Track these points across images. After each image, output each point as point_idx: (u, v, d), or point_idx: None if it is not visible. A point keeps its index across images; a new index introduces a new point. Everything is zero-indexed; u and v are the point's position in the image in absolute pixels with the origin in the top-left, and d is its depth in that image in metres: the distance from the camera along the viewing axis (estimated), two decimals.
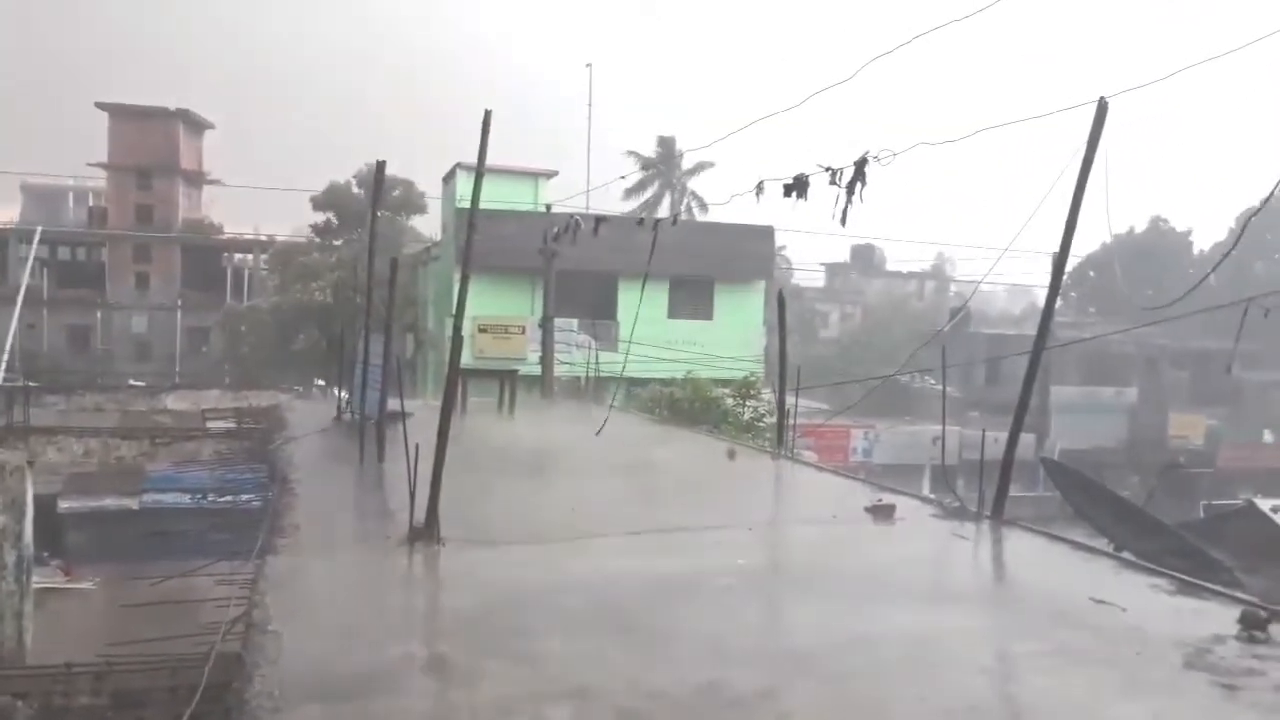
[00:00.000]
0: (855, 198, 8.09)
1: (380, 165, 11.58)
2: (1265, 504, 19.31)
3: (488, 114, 7.76)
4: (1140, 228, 50.89)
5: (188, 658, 5.57)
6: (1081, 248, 47.00)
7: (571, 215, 23.98)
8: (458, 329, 7.63)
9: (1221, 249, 43.53)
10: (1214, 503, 24.08)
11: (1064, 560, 7.48)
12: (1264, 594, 7.14)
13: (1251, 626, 5.69)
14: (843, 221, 7.96)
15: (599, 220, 15.21)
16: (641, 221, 15.23)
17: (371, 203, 11.88)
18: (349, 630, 5.67)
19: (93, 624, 13.45)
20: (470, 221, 7.43)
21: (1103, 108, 8.03)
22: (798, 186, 8.56)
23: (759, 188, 8.78)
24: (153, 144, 50.35)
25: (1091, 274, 50.27)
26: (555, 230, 15.93)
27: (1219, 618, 5.89)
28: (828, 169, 8.12)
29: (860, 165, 7.93)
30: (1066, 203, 8.10)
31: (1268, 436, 37.32)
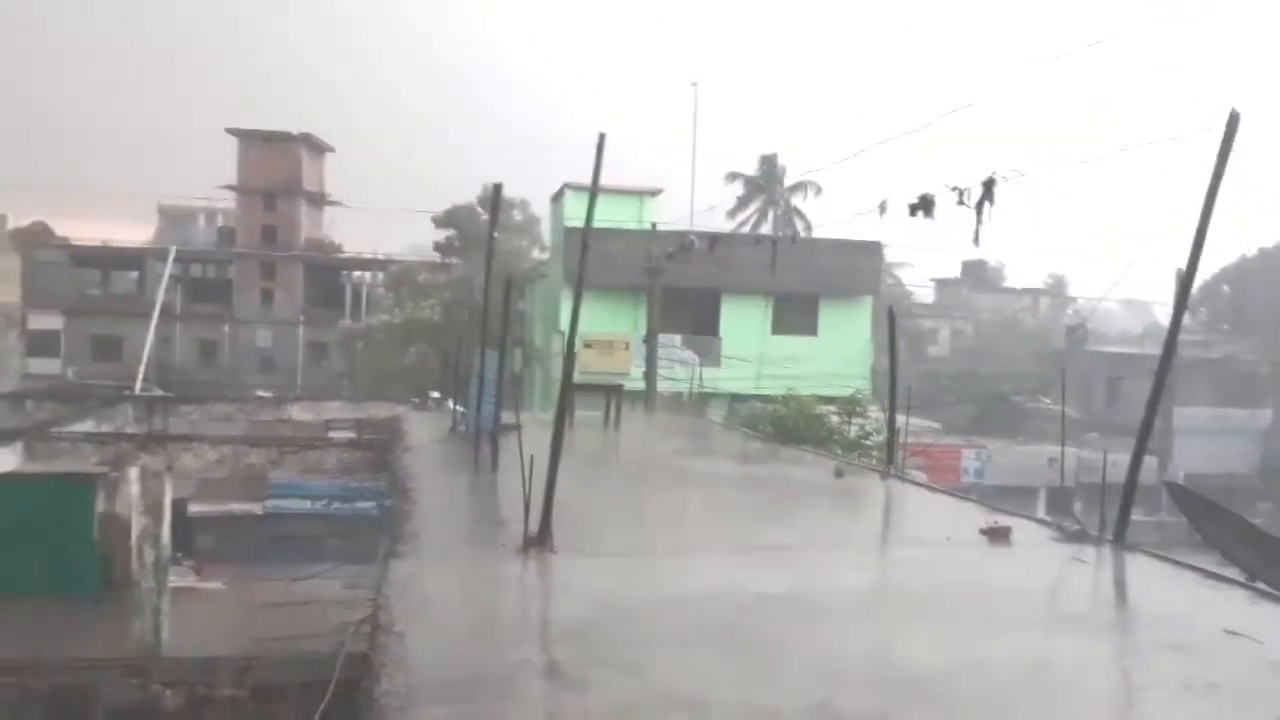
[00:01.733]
0: (984, 217, 8.01)
1: (497, 188, 11.96)
2: None
3: (602, 137, 7.95)
4: None
5: (320, 655, 5.88)
6: (1215, 262, 44.79)
7: (684, 233, 24.22)
8: (571, 346, 7.84)
9: None
10: None
11: (1192, 588, 7.19)
12: None
13: None
14: (976, 242, 7.89)
15: (714, 239, 15.31)
16: (758, 241, 15.27)
17: (490, 224, 12.28)
18: (468, 634, 5.88)
19: (223, 622, 14.21)
20: (584, 243, 7.63)
21: (1234, 119, 7.73)
22: (924, 206, 8.54)
23: (883, 206, 8.77)
24: (278, 167, 53.07)
25: (1225, 289, 47.84)
26: (670, 250, 16.12)
27: None
28: (955, 189, 8.06)
29: (989, 185, 7.85)
30: (1196, 217, 7.83)
31: None
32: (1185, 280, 8.37)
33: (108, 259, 56.50)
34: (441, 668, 5.25)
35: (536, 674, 5.27)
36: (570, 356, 7.81)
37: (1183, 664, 5.53)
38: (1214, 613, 6.39)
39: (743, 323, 32.62)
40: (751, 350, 30.36)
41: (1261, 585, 8.36)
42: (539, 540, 7.53)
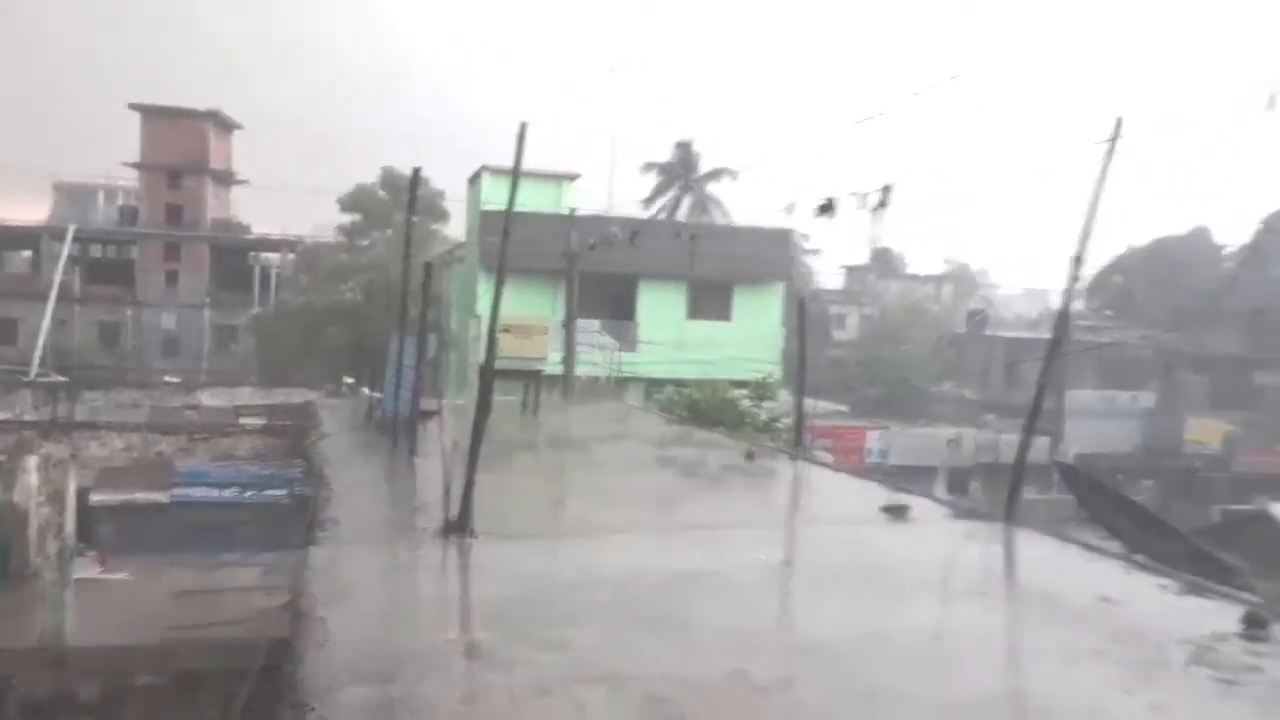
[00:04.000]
0: (880, 220, 8.44)
1: (415, 172, 11.94)
2: (1279, 509, 19.39)
3: (523, 125, 8.05)
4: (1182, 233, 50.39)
5: (241, 642, 5.92)
6: (1109, 252, 46.80)
7: (601, 218, 24.32)
8: (492, 330, 7.96)
9: (1248, 255, 43.38)
10: (1229, 508, 24.09)
11: (1074, 561, 7.72)
12: (1276, 598, 7.33)
13: (1254, 626, 5.92)
14: (871, 244, 8.31)
15: (635, 229, 15.51)
16: (677, 234, 15.53)
17: (409, 208, 12.23)
18: (390, 617, 6.01)
19: (131, 613, 13.86)
20: (505, 230, 7.74)
21: (1118, 124, 8.29)
22: (827, 209, 8.97)
23: (790, 207, 9.14)
24: (183, 144, 51.24)
25: (1118, 278, 50.08)
26: (593, 242, 16.26)
27: (1223, 617, 6.11)
28: (855, 194, 8.48)
29: (886, 191, 8.27)
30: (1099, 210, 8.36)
31: None
32: (1074, 269, 8.90)
33: None
34: (364, 650, 5.36)
35: (459, 653, 5.42)
36: (492, 342, 7.93)
37: (1063, 630, 6.00)
38: (1092, 582, 6.90)
39: (660, 308, 32.99)
40: (668, 335, 30.75)
41: (1138, 556, 9.02)
42: (459, 525, 7.65)
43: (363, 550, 7.41)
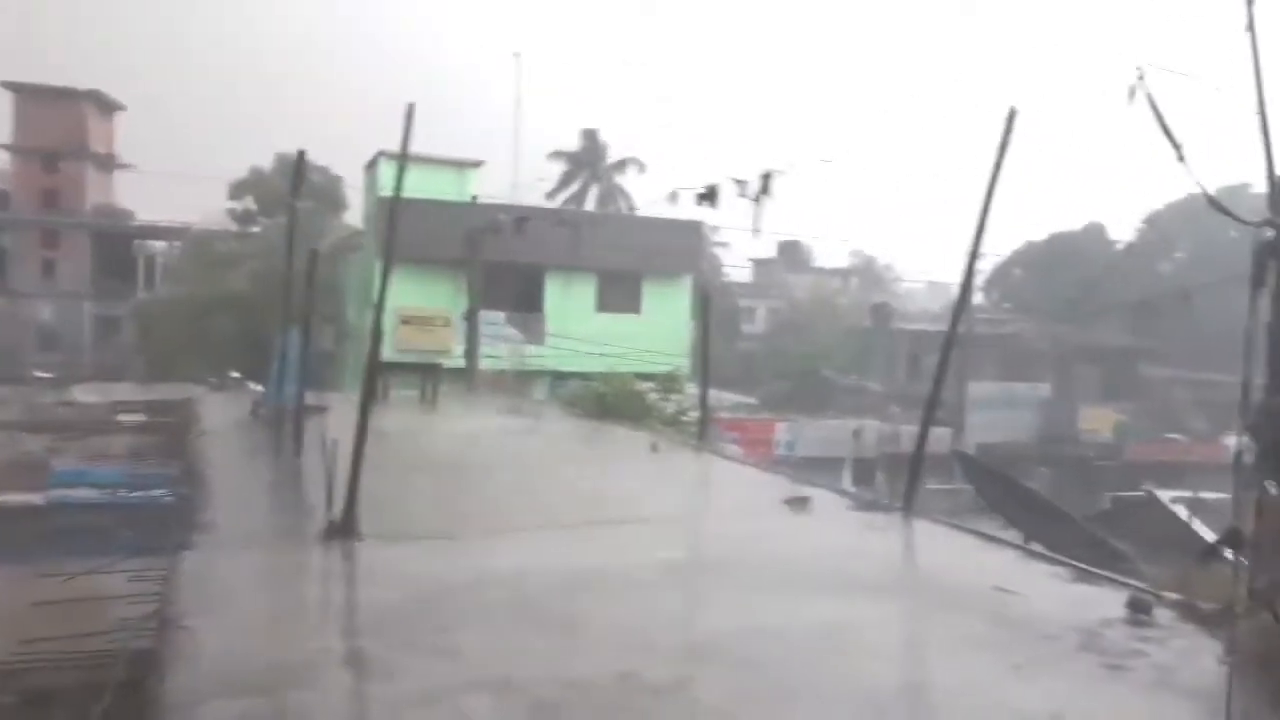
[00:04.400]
0: (762, 207, 8.43)
1: (300, 155, 11.41)
2: (1165, 495, 20.28)
3: (410, 106, 7.73)
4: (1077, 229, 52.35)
5: (100, 655, 5.47)
6: (1008, 246, 48.34)
7: (507, 206, 23.84)
8: (378, 321, 7.60)
9: (1132, 251, 45.47)
10: (1119, 495, 25.12)
11: (970, 551, 7.80)
12: (1161, 580, 7.53)
13: (1138, 610, 6.04)
14: (755, 231, 8.26)
15: (521, 220, 15.20)
16: (574, 225, 15.28)
17: (291, 192, 11.69)
18: (265, 625, 5.65)
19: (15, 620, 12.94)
20: (392, 213, 7.40)
21: (1012, 115, 8.36)
22: (709, 196, 8.93)
23: (673, 195, 9.05)
24: (61, 125, 48.49)
25: (1016, 271, 51.80)
26: (482, 227, 15.88)
27: (1110, 603, 6.22)
28: (737, 181, 8.42)
29: (766, 179, 8.23)
30: (1002, 202, 8.44)
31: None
32: (968, 263, 9.01)
33: None
34: (235, 661, 5.02)
35: (339, 663, 5.12)
36: (378, 331, 7.57)
37: (958, 619, 6.01)
38: (986, 571, 6.96)
39: (568, 300, 32.64)
40: (577, 328, 30.46)
41: (1034, 545, 9.21)
42: (343, 526, 7.30)
43: (239, 555, 6.99)
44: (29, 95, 48.27)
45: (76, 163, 49.80)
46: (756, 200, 8.21)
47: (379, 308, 7.73)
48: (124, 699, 5.08)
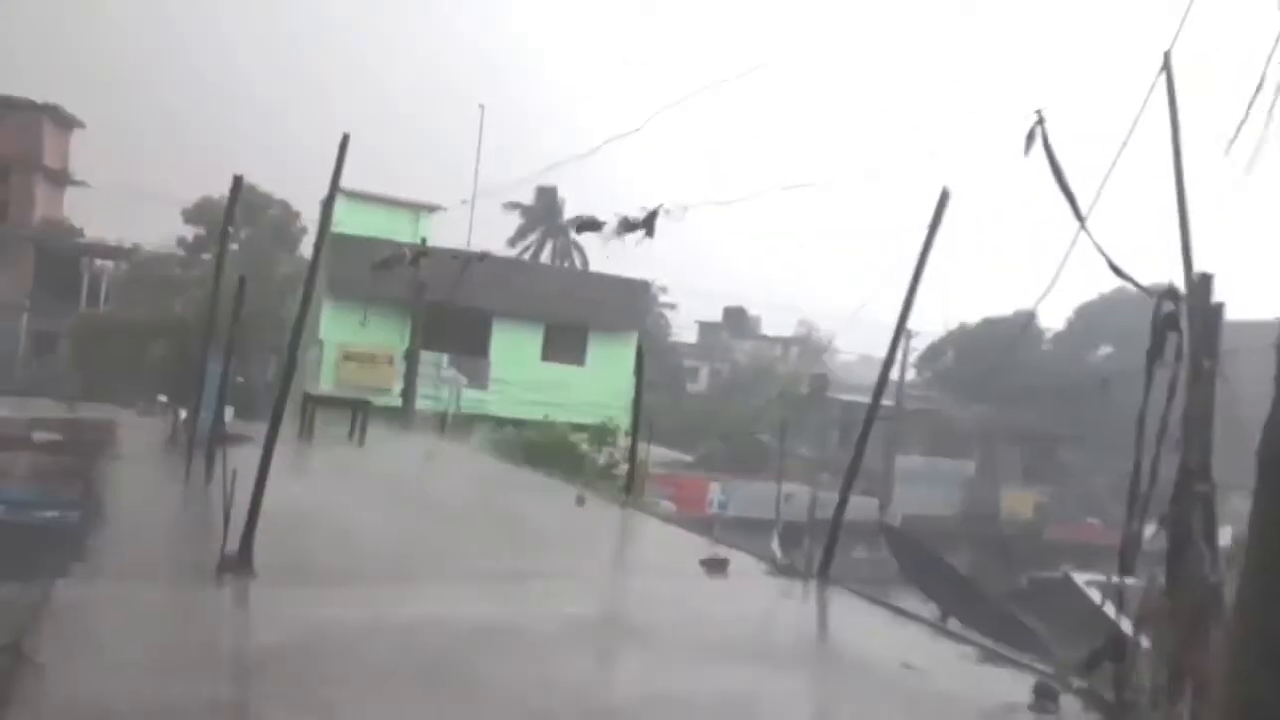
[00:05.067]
0: (638, 244, 8.52)
1: (237, 180, 11.18)
2: (1081, 577, 20.40)
3: (345, 137, 7.58)
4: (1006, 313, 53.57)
5: None
6: (942, 327, 49.29)
7: (460, 251, 23.65)
8: (292, 354, 7.37)
9: (1060, 339, 46.64)
10: (1036, 575, 25.28)
11: (881, 624, 7.66)
12: (1070, 665, 7.46)
13: (1044, 697, 5.93)
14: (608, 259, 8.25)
15: (420, 254, 14.99)
16: (481, 258, 15.07)
17: (225, 217, 11.45)
18: (129, 666, 5.28)
19: None
20: (317, 246, 7.27)
21: (944, 197, 8.40)
22: (590, 225, 8.98)
23: (574, 224, 8.98)
24: (13, 137, 47.38)
25: (949, 352, 52.79)
26: (383, 258, 15.59)
27: (1017, 687, 6.11)
28: (622, 217, 8.44)
29: (651, 216, 8.25)
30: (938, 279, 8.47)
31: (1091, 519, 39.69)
32: (893, 343, 8.99)
33: None
34: (83, 705, 4.66)
35: (200, 712, 4.78)
36: (291, 365, 7.33)
37: (862, 695, 5.85)
38: (895, 647, 6.81)
39: (513, 347, 32.46)
40: (521, 375, 30.22)
41: (948, 622, 9.10)
42: (238, 562, 6.96)
43: (119, 586, 6.60)
44: None
45: (26, 175, 48.66)
46: (636, 236, 8.22)
47: (294, 336, 7.49)
48: None
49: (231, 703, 4.96)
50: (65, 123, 51.40)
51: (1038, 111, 5.03)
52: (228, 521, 6.97)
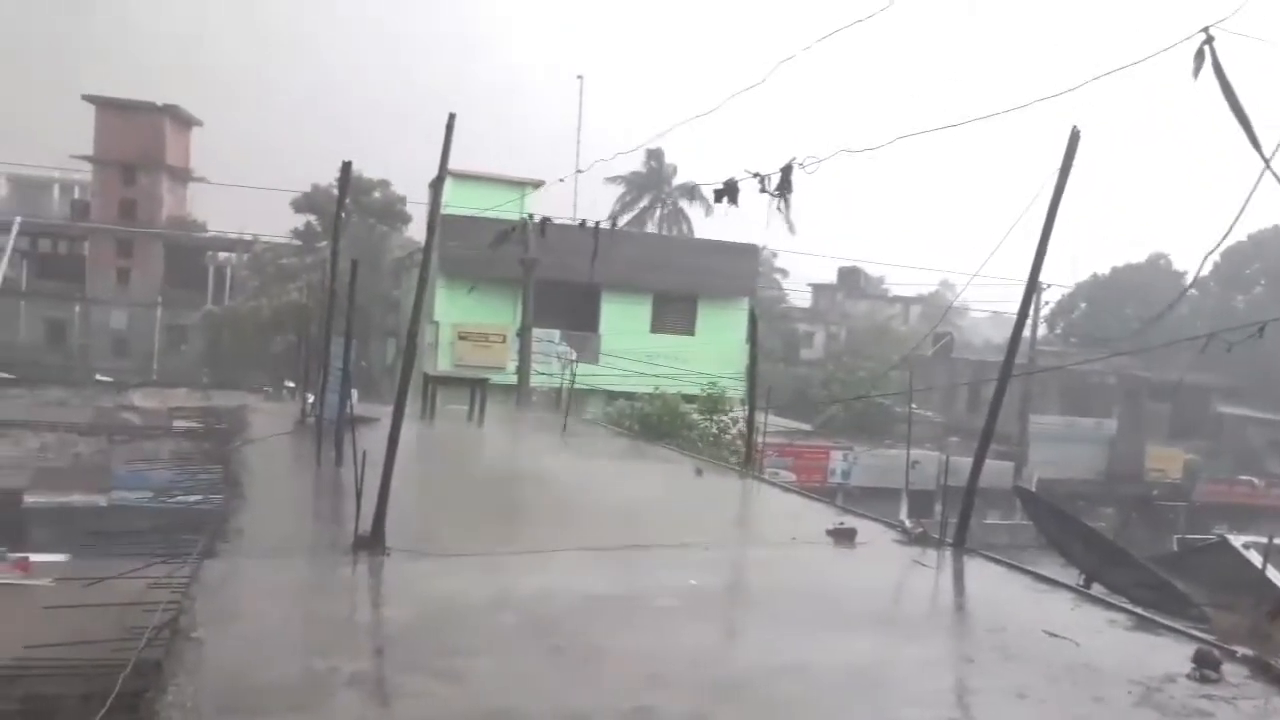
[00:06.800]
0: (782, 204, 8.04)
1: (346, 166, 11.43)
2: (1238, 540, 19.20)
3: (452, 117, 7.63)
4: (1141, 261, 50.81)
5: (106, 663, 5.36)
6: (1074, 279, 47.20)
7: (566, 230, 23.82)
8: (412, 333, 7.48)
9: (1201, 285, 43.86)
10: (1188, 537, 23.99)
11: (1022, 592, 7.33)
12: (1232, 629, 7.00)
13: (1204, 666, 5.55)
14: (791, 230, 7.88)
15: (544, 221, 14.95)
16: (583, 224, 14.92)
17: (338, 202, 11.71)
18: (275, 640, 5.47)
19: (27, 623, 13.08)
20: (430, 226, 7.30)
21: (1074, 137, 7.91)
22: (728, 192, 8.56)
23: (692, 192, 8.69)
24: (139, 139, 49.97)
25: (1082, 305, 50.52)
26: (501, 233, 15.67)
27: (1174, 655, 5.75)
28: (755, 175, 8.04)
29: (786, 172, 7.85)
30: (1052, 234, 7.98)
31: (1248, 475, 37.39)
32: (1026, 294, 8.56)
33: None
34: (238, 677, 4.85)
35: (342, 683, 4.90)
36: (412, 347, 7.44)
37: (1005, 667, 5.58)
38: (1038, 615, 6.50)
39: (623, 320, 32.60)
40: (631, 347, 30.33)
41: (1095, 588, 8.67)
42: (371, 540, 7.14)
43: (262, 565, 6.86)
44: (109, 109, 49.91)
45: (152, 174, 51.25)
46: (779, 194, 7.81)
47: (414, 319, 7.60)
48: (123, 713, 4.95)
49: (372, 673, 5.08)
50: (185, 121, 53.85)
51: (1205, 29, 4.54)
52: (360, 501, 7.15)
